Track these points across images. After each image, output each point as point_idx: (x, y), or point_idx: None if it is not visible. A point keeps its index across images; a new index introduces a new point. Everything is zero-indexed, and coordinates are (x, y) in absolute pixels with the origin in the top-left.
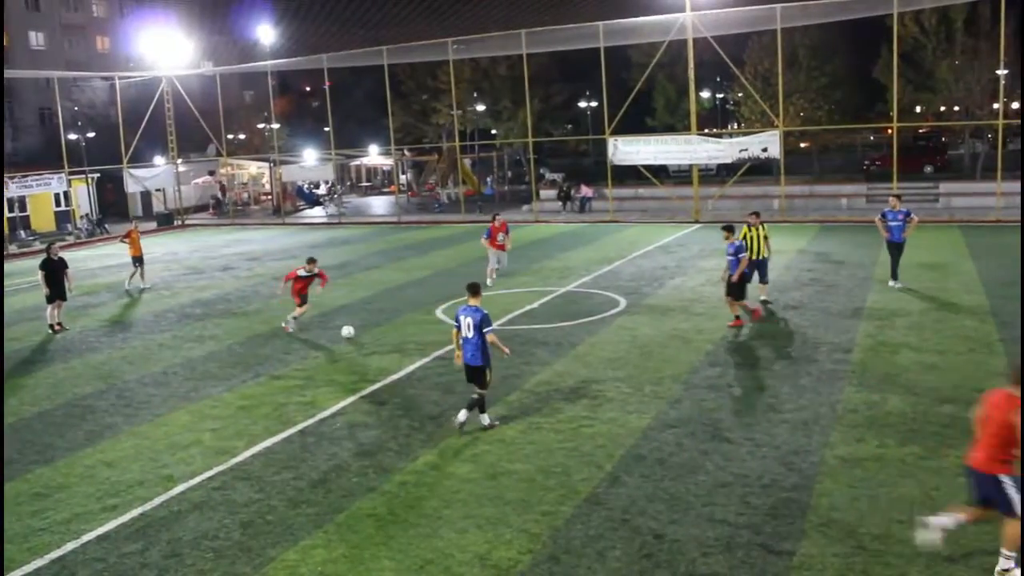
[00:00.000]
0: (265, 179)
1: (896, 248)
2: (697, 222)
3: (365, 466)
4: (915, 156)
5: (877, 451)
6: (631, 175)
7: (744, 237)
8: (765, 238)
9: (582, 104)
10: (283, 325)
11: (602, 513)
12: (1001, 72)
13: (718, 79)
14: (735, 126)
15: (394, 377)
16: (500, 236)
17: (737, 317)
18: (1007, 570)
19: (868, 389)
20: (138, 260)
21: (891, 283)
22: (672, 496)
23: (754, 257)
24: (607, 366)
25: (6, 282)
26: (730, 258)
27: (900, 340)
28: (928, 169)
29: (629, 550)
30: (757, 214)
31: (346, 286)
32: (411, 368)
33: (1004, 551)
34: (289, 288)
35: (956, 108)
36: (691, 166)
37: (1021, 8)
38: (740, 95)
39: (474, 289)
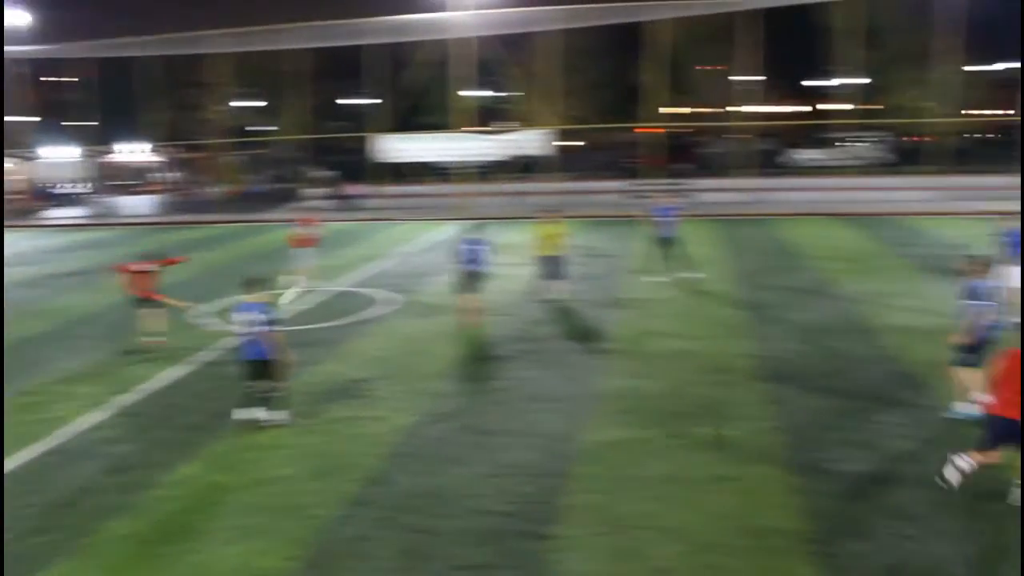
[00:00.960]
0: (15, 177)
1: (665, 243)
2: (468, 219)
3: (120, 483)
4: (673, 154)
5: (632, 434)
6: (409, 172)
7: (540, 234)
8: (557, 235)
9: (355, 101)
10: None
11: (370, 513)
12: (750, 78)
13: (492, 78)
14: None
15: (151, 387)
16: (305, 234)
17: (470, 313)
18: None
19: (626, 376)
20: None
21: (658, 277)
22: (439, 491)
23: (546, 254)
24: (376, 364)
25: None
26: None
27: (657, 328)
28: (683, 167)
29: (396, 548)
30: (552, 210)
31: (93, 292)
32: (170, 376)
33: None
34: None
35: (710, 109)
36: (466, 163)
37: (766, 19)
38: (514, 94)
39: (252, 284)
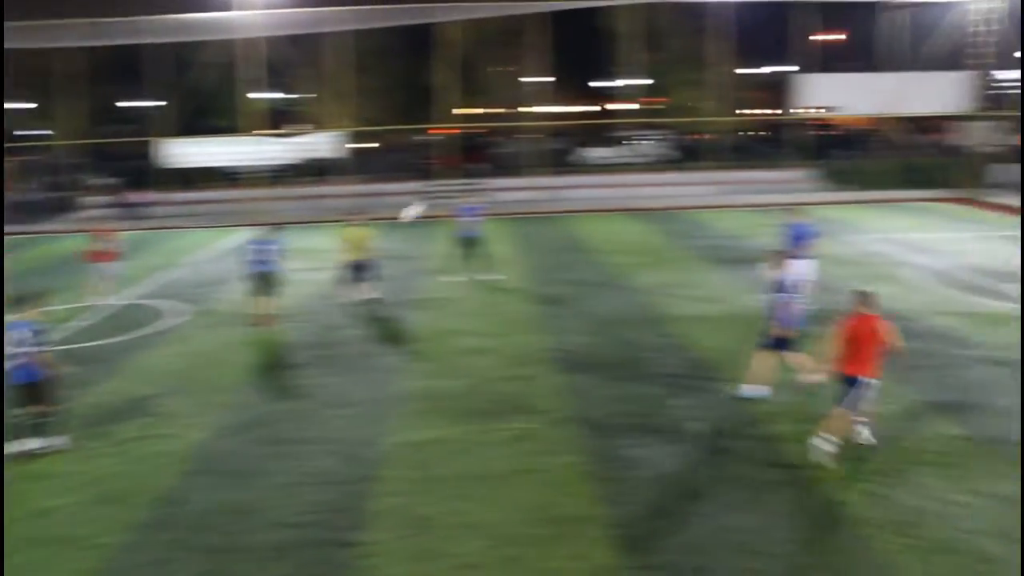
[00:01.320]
0: None
1: (469, 242)
2: (262, 225)
3: None
4: (467, 154)
5: (435, 434)
6: (198, 178)
7: (346, 237)
8: (364, 239)
9: (140, 103)
10: None
11: (165, 535)
12: (539, 79)
13: (284, 78)
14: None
15: None
16: (102, 247)
17: (264, 317)
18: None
19: (428, 376)
20: None
21: (458, 276)
22: (238, 506)
23: (353, 258)
24: (166, 379)
25: None
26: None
27: (456, 327)
28: (477, 166)
29: (194, 570)
30: (358, 213)
31: None
32: None
33: (827, 435)
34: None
35: (503, 110)
36: (258, 167)
37: (553, 22)
38: (306, 95)
39: (22, 301)
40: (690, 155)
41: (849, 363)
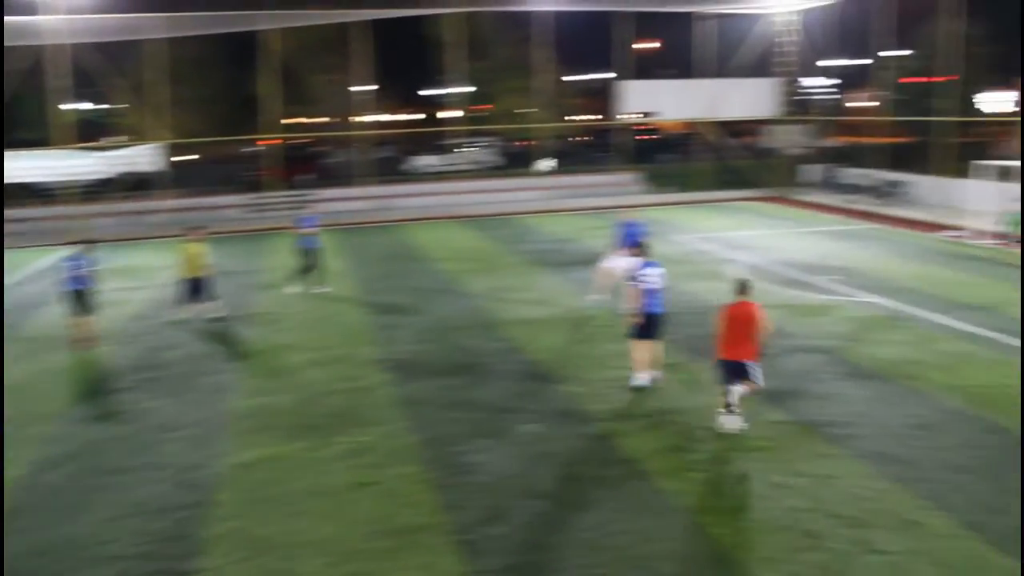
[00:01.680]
0: None
1: (308, 253)
2: (79, 243)
3: None
4: (293, 165)
5: (269, 453)
6: (8, 194)
7: (182, 254)
8: (200, 255)
9: None
10: None
11: None
12: (366, 88)
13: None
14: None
15: None
16: None
17: (83, 339)
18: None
19: (258, 394)
20: None
21: (293, 288)
22: (64, 543)
23: (189, 275)
24: None
25: None
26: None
27: (285, 342)
28: (305, 177)
29: None
30: (195, 228)
31: None
32: None
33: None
34: None
35: (329, 119)
36: (72, 182)
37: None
38: (124, 106)
39: None
40: (519, 161)
41: (731, 348)
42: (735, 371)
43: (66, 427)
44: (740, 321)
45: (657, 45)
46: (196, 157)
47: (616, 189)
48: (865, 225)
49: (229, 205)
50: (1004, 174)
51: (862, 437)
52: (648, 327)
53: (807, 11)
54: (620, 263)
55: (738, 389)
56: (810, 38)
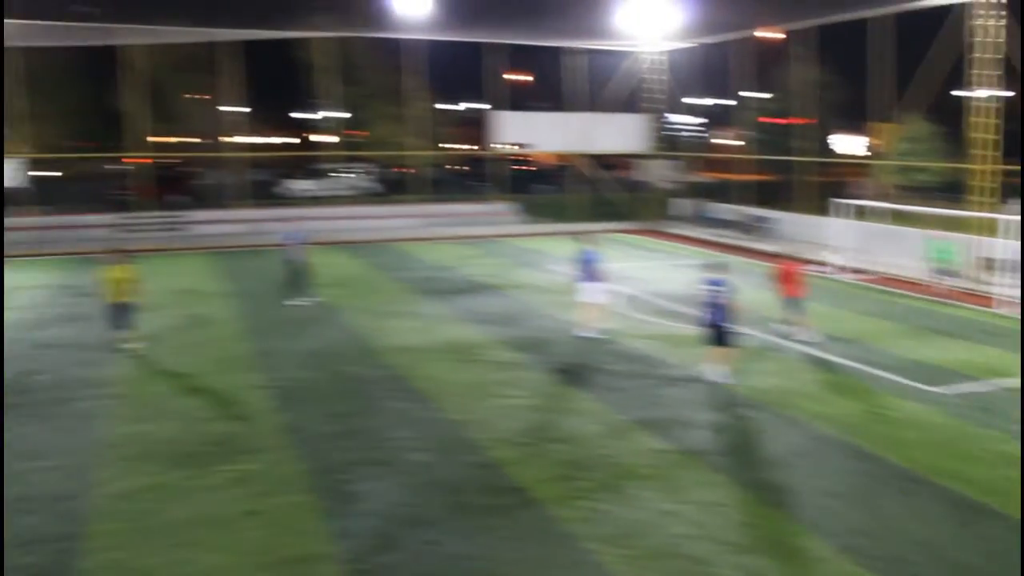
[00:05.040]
0: None
1: (294, 267)
2: None
3: None
4: (163, 185)
5: (150, 480)
6: None
7: (107, 278)
8: (127, 280)
9: None
10: None
11: None
12: (237, 109)
13: None
14: None
15: None
16: None
17: None
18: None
19: (136, 421)
20: None
21: (297, 300)
22: None
23: (115, 300)
24: None
25: None
26: None
27: (163, 367)
28: (176, 197)
29: None
30: (121, 251)
31: None
32: None
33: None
34: None
35: (200, 140)
36: None
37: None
38: None
39: None
40: (394, 188)
41: None
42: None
43: None
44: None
45: (530, 77)
46: (60, 174)
47: (492, 218)
48: (733, 259)
49: (97, 225)
50: (861, 213)
51: (743, 465)
52: (718, 335)
53: (672, 51)
54: (598, 292)
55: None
56: (676, 77)
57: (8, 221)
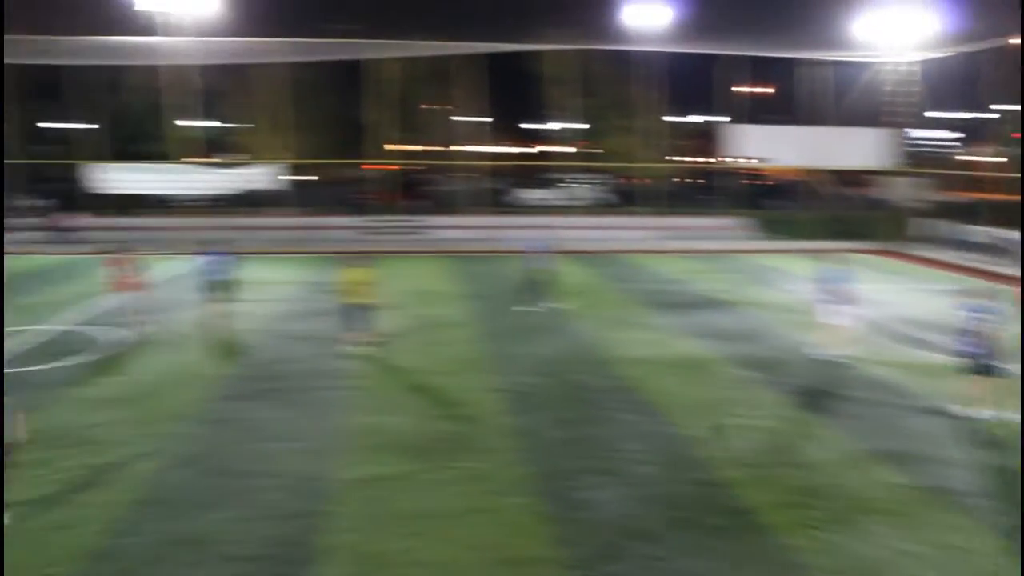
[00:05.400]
0: None
1: (538, 275)
2: (198, 253)
3: None
4: (405, 191)
5: (385, 470)
6: (131, 203)
7: (346, 279)
8: (365, 282)
9: (68, 125)
10: None
11: (111, 567)
12: (475, 119)
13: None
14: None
15: None
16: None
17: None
18: None
19: (374, 412)
20: None
21: (535, 307)
22: (187, 538)
23: (351, 301)
24: (107, 407)
25: None
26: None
27: (402, 363)
28: (415, 203)
29: None
30: (356, 253)
31: None
32: None
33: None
34: None
35: (438, 148)
36: (192, 195)
37: (487, 64)
38: (241, 125)
39: None
40: (625, 200)
41: None
42: None
43: (191, 428)
44: None
45: (768, 90)
46: (310, 178)
47: (723, 233)
48: (985, 285)
49: (343, 226)
50: None
51: (992, 508)
52: (978, 367)
53: (925, 61)
54: (840, 314)
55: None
56: (927, 88)
57: (265, 220)
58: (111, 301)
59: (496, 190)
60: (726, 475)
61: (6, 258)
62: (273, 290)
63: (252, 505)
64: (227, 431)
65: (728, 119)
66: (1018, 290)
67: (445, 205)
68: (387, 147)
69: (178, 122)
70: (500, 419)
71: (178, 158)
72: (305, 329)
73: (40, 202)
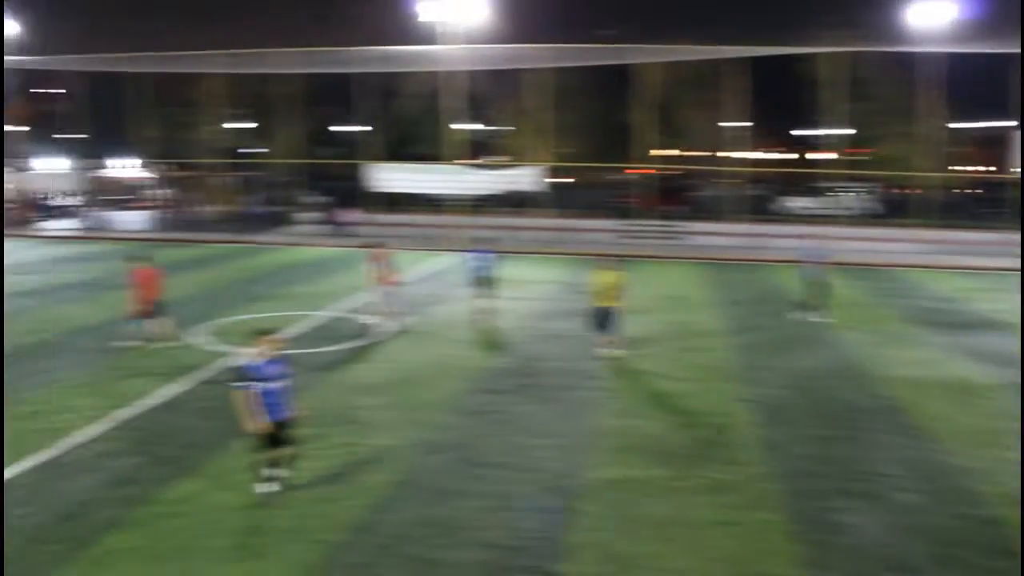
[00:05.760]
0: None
1: (815, 285)
2: (463, 250)
3: (119, 497)
4: (664, 196)
5: (633, 473)
6: (402, 200)
7: (597, 282)
8: (614, 286)
9: (350, 128)
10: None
11: (371, 540)
12: (740, 125)
13: (485, 111)
14: (500, 158)
15: (150, 402)
16: (383, 268)
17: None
18: None
19: (623, 415)
20: None
21: (809, 315)
22: (442, 521)
23: (600, 304)
24: (372, 392)
25: None
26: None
27: (651, 368)
28: (674, 208)
29: None
30: (609, 256)
31: (94, 304)
32: (168, 393)
33: None
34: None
35: (701, 153)
36: (455, 195)
37: (753, 67)
38: (506, 128)
39: (263, 334)
40: (896, 210)
41: None
42: None
43: (449, 417)
44: None
45: None
46: (569, 180)
47: (1005, 250)
48: None
49: (600, 229)
50: None
51: None
52: None
53: None
54: None
55: None
56: None
57: (527, 221)
58: (373, 293)
59: (758, 197)
60: (1001, 513)
61: (290, 249)
62: (532, 289)
63: (503, 496)
64: (482, 423)
65: (1019, 125)
66: None
67: (705, 211)
68: (649, 152)
69: (449, 125)
70: (749, 431)
71: (448, 159)
72: (561, 328)
73: (321, 199)
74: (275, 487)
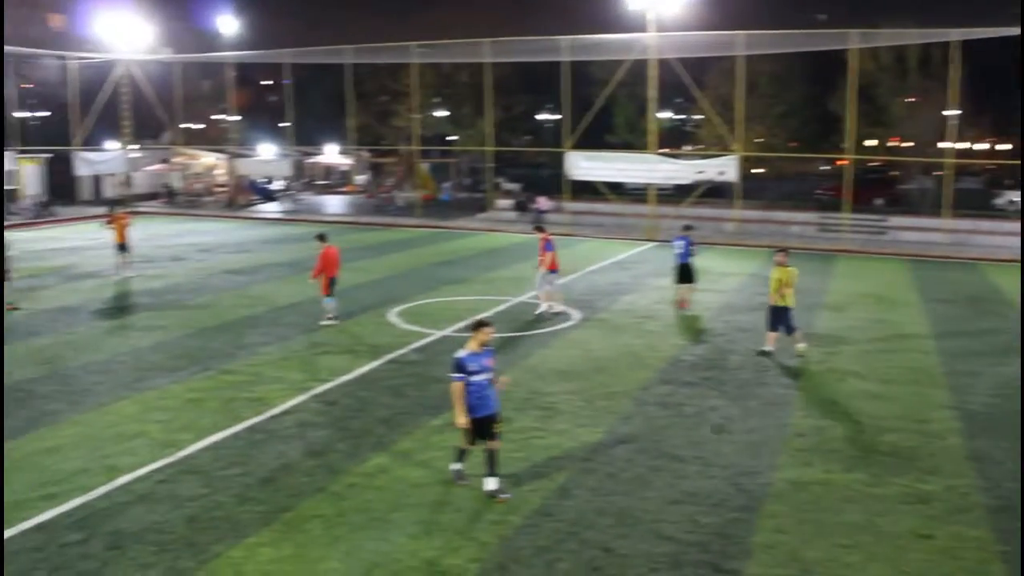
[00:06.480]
0: (219, 171)
1: None
2: (652, 240)
3: (314, 466)
4: (866, 188)
5: (823, 476)
6: (587, 189)
7: (775, 279)
8: (785, 283)
9: (542, 116)
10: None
11: (551, 525)
12: (950, 113)
13: (679, 100)
14: (693, 148)
15: (345, 378)
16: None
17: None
18: None
19: (815, 415)
20: (122, 247)
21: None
22: (621, 511)
23: (777, 301)
24: (558, 378)
25: None
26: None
27: (846, 368)
28: (878, 202)
29: (577, 562)
30: (784, 252)
31: (297, 284)
32: (363, 370)
33: None
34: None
35: (907, 144)
36: (648, 185)
37: (971, 54)
38: (700, 118)
39: (480, 326)
40: None
41: None
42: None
43: (635, 407)
44: None
45: None
46: (764, 171)
47: None
48: None
49: (795, 222)
50: None
51: None
52: None
53: None
54: None
55: None
56: None
57: (723, 212)
58: (554, 279)
59: (973, 191)
60: None
61: (485, 235)
62: (727, 281)
63: (685, 489)
64: (667, 414)
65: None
66: None
67: (912, 205)
68: (853, 143)
69: (647, 114)
70: (952, 440)
71: (644, 148)
72: (752, 322)
73: (515, 185)
74: (464, 470)
